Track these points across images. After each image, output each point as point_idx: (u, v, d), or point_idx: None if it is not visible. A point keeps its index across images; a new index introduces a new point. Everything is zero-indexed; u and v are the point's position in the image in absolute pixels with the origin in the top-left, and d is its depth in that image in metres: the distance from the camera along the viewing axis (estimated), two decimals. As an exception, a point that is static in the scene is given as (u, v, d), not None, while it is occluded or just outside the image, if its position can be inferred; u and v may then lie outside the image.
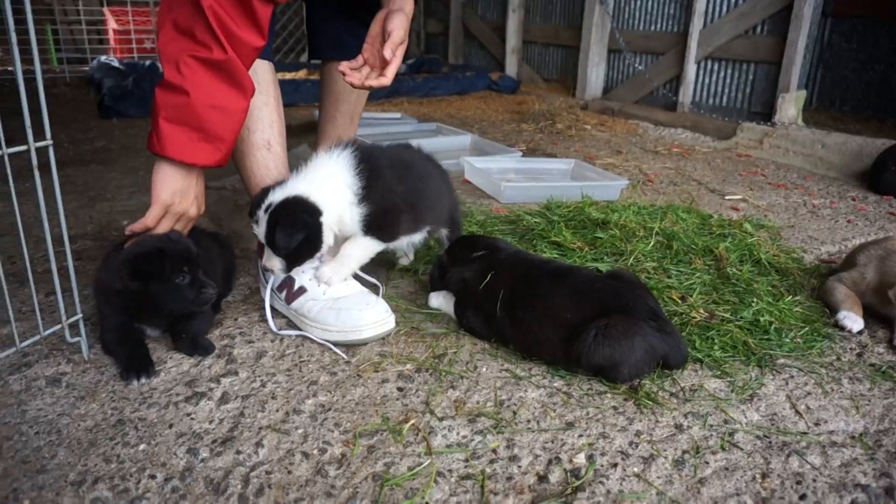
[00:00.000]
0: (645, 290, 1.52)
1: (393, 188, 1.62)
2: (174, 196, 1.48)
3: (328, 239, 1.57)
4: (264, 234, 1.52)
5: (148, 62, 5.01)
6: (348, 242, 1.63)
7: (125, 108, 4.39)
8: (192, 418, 1.27)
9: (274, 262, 1.53)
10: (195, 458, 1.16)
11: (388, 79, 1.66)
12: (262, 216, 1.52)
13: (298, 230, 1.48)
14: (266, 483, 1.11)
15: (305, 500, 1.07)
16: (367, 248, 1.64)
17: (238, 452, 1.18)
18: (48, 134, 1.26)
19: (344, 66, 1.68)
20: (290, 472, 1.13)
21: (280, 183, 1.56)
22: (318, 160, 1.60)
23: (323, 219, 1.53)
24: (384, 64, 1.65)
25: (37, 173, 1.26)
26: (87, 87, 5.73)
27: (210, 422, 1.26)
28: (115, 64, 5.42)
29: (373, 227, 1.58)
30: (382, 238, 1.63)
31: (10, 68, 6.05)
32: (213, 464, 1.15)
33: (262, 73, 1.69)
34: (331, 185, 1.55)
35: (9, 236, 2.13)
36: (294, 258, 1.54)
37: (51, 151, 1.29)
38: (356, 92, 2.17)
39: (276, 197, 1.52)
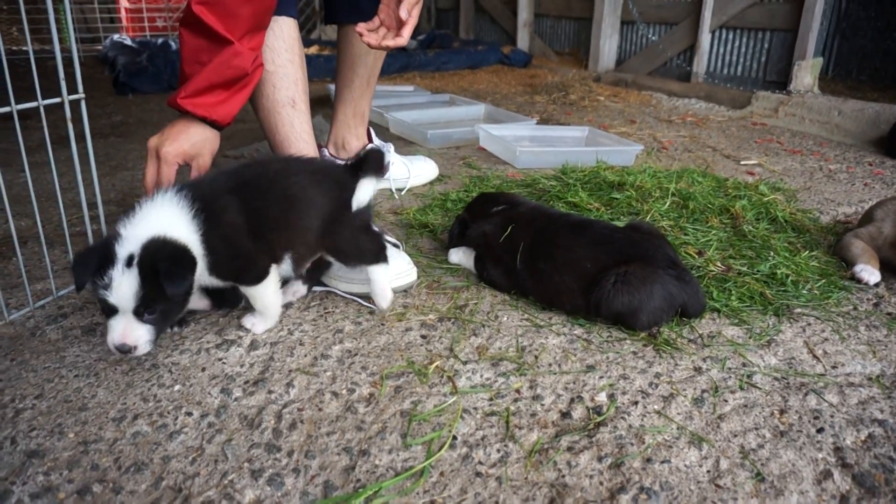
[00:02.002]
0: (664, 239, 1.54)
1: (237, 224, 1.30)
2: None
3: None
4: (137, 289, 1.15)
5: (160, 40, 5.04)
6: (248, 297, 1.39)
7: (140, 84, 4.42)
8: (224, 363, 1.32)
9: (140, 334, 1.18)
10: (229, 397, 1.21)
11: (404, 39, 1.68)
12: (125, 269, 1.15)
13: (189, 271, 1.19)
14: (298, 419, 1.15)
15: (337, 433, 1.11)
16: (257, 294, 1.37)
17: (270, 392, 1.22)
18: (80, 87, 1.30)
19: (361, 27, 1.70)
20: (320, 410, 1.17)
21: (114, 236, 1.19)
22: (152, 203, 1.25)
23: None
24: (400, 24, 1.67)
25: (70, 125, 1.30)
26: (100, 66, 5.76)
27: (241, 366, 1.31)
28: (129, 42, 5.45)
29: (233, 276, 1.32)
30: (252, 283, 1.35)
31: (24, 47, 6.08)
32: (247, 402, 1.19)
33: (288, 30, 1.71)
34: (179, 230, 1.22)
35: (28, 204, 2.17)
36: (166, 315, 1.23)
37: (83, 105, 1.33)
38: (372, 55, 2.19)
39: (130, 245, 1.17)
